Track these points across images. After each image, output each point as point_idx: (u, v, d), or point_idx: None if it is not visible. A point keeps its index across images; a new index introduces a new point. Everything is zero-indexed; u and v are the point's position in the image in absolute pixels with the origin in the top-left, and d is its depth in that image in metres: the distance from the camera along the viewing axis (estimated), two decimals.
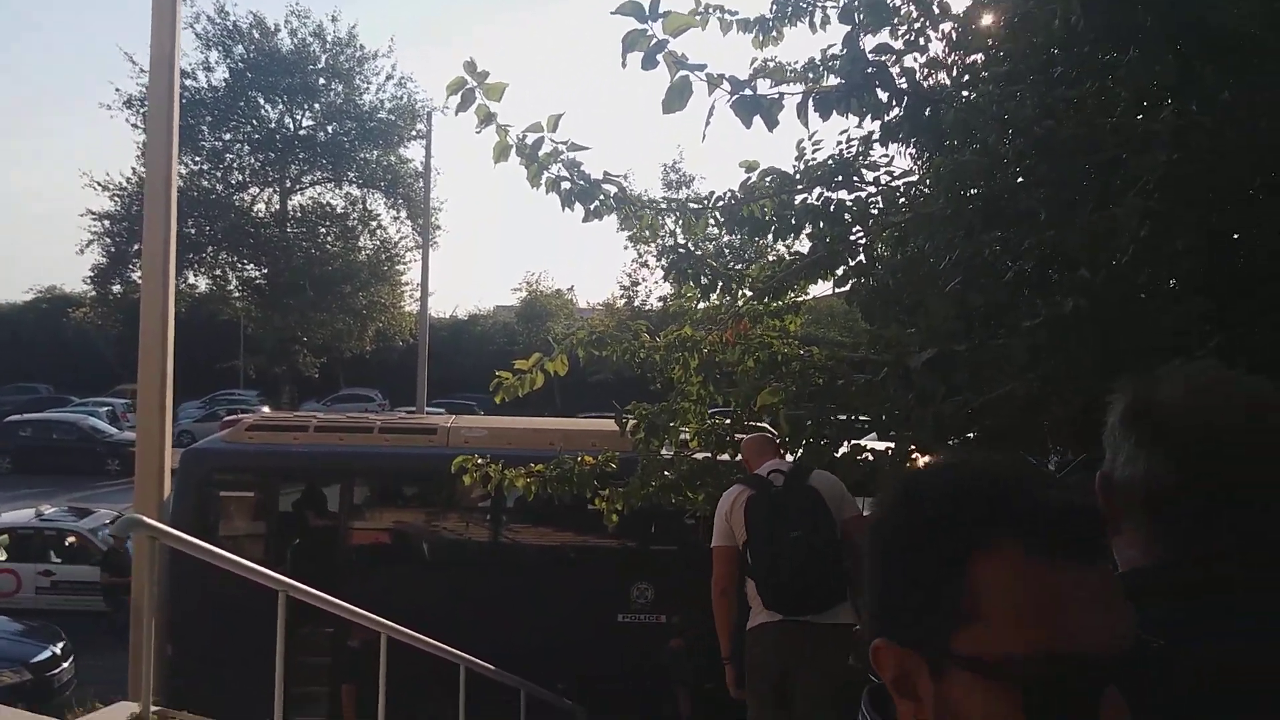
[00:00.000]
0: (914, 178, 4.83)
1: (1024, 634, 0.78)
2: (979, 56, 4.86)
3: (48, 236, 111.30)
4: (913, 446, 3.90)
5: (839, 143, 5.03)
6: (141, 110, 29.75)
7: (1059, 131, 3.62)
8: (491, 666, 7.31)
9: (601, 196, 3.63)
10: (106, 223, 32.05)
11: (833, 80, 5.07)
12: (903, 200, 4.65)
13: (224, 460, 9.70)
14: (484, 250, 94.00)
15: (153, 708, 4.20)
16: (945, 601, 0.82)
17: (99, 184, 31.83)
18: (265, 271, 33.11)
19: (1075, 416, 3.96)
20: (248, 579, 4.55)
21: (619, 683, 8.88)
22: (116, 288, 32.75)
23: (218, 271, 33.53)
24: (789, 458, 4.62)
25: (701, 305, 5.49)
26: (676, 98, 2.70)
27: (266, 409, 31.88)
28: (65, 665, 10.97)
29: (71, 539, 14.64)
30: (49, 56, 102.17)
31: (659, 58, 2.67)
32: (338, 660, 8.39)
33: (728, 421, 5.02)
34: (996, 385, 3.18)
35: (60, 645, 11.09)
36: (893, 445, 4.19)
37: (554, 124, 3.41)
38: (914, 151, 5.28)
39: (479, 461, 5.16)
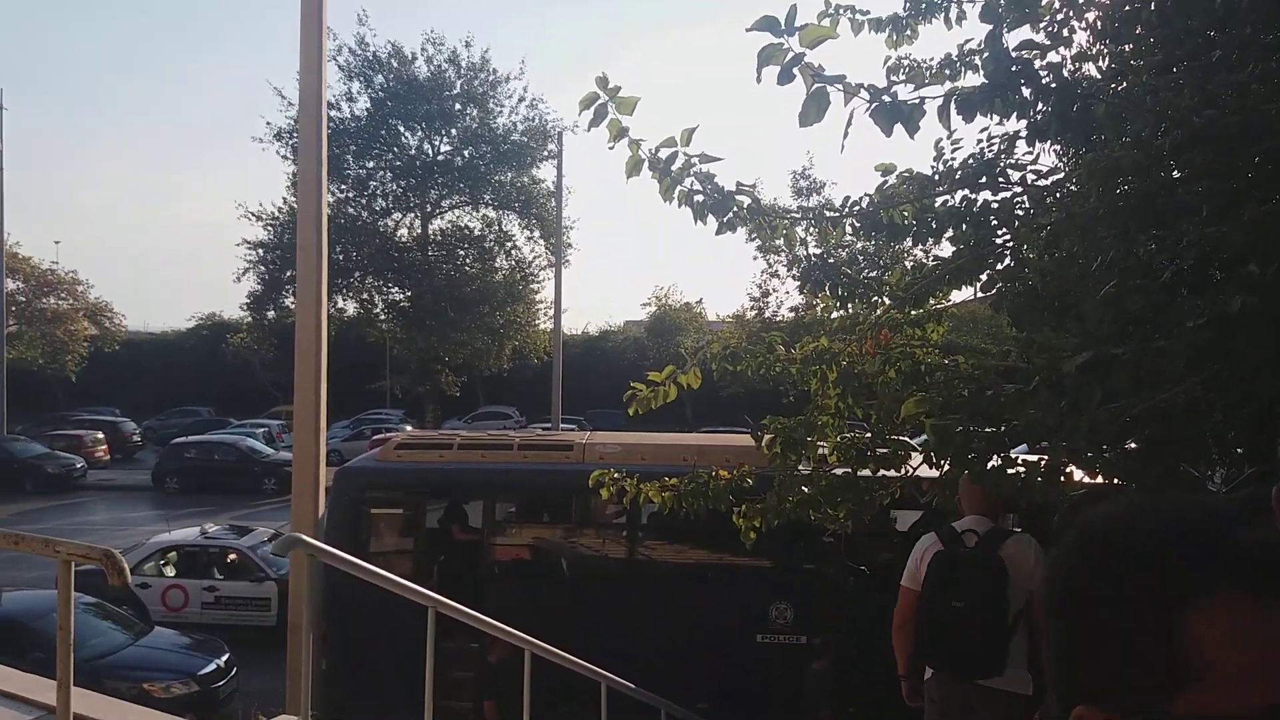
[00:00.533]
0: (1061, 175, 4.61)
1: (1258, 689, 0.70)
2: (1128, 46, 4.61)
3: (209, 266, 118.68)
4: (1065, 458, 3.70)
5: (979, 141, 4.85)
6: (291, 142, 31.29)
7: (1221, 121, 3.38)
8: (632, 685, 7.30)
9: (735, 208, 3.58)
10: (260, 251, 33.76)
11: (972, 78, 4.91)
12: (1051, 200, 4.44)
13: (376, 478, 10.04)
14: (614, 266, 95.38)
15: None
16: (1159, 661, 0.74)
17: (253, 214, 33.65)
18: (409, 294, 34.23)
19: (1245, 424, 3.69)
20: (399, 594, 4.67)
21: (759, 703, 8.75)
22: (270, 313, 34.46)
23: (364, 295, 34.83)
24: (931, 471, 4.47)
25: (836, 315, 5.36)
26: (814, 110, 2.64)
27: (410, 428, 33.02)
28: (229, 678, 11.54)
29: (233, 556, 15.41)
30: (207, 96, 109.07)
31: (795, 70, 2.61)
32: (480, 676, 8.53)
33: (868, 435, 4.88)
34: (1156, 391, 2.98)
35: (224, 658, 11.68)
36: (1044, 457, 3.99)
37: (687, 138, 3.39)
38: (1060, 149, 5.04)
39: (615, 475, 5.16)
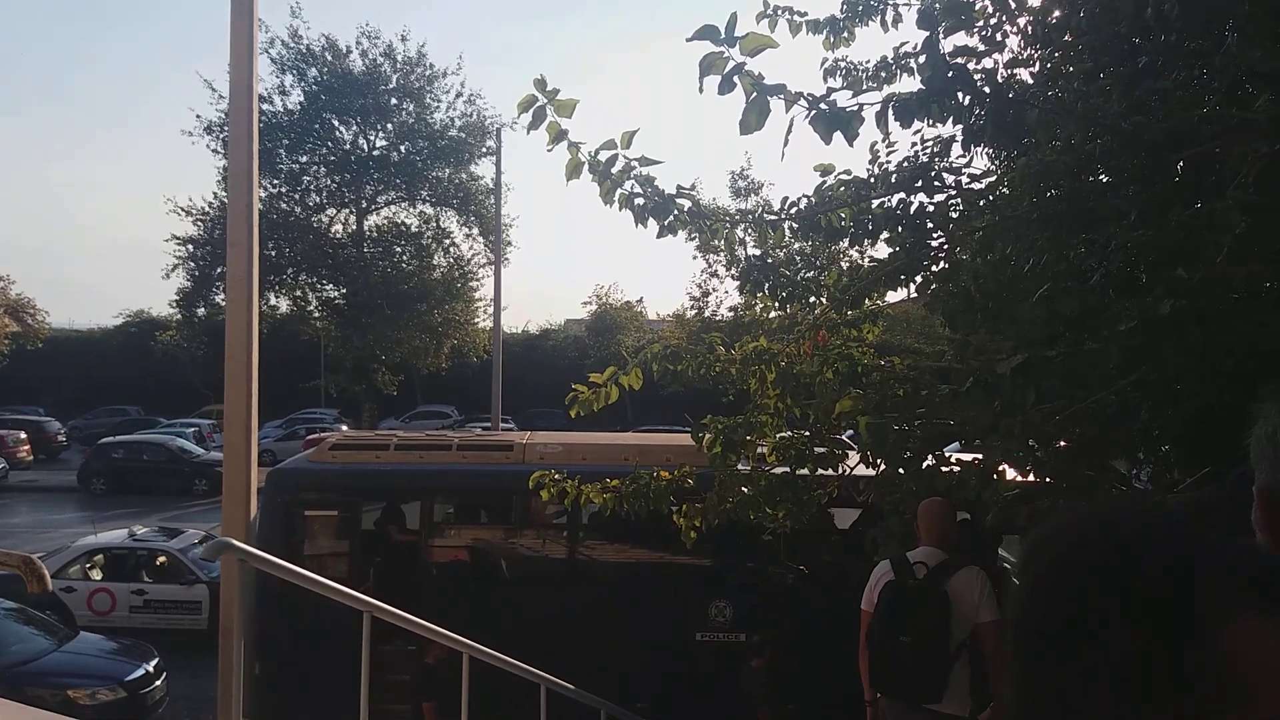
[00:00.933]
0: (994, 178, 4.70)
1: None
2: (1059, 53, 4.71)
3: (136, 262, 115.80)
4: (999, 457, 3.77)
5: (914, 144, 4.92)
6: (222, 136, 30.61)
7: (1147, 126, 3.47)
8: (571, 686, 7.28)
9: (676, 211, 3.57)
10: (190, 247, 33.00)
11: (908, 81, 4.97)
12: (985, 203, 4.51)
13: (309, 479, 9.86)
14: (555, 264, 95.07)
15: None
16: (1198, 686, 0.72)
17: (182, 209, 32.83)
18: (344, 291, 33.72)
19: (1172, 424, 3.79)
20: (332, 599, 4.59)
21: (698, 702, 8.79)
22: (201, 311, 33.73)
23: (298, 292, 34.23)
24: (867, 470, 4.52)
25: (775, 315, 5.40)
26: (755, 118, 2.64)
27: (345, 427, 32.55)
28: (158, 683, 11.24)
29: (162, 559, 15.03)
30: (134, 86, 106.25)
31: (736, 79, 2.61)
32: (417, 677, 8.44)
33: (806, 435, 4.92)
34: (1087, 392, 3.05)
35: (153, 663, 11.38)
36: (978, 456, 4.06)
37: (628, 140, 3.37)
38: (993, 152, 5.13)
39: (556, 477, 5.14)
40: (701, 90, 2.62)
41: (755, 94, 2.62)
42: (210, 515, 22.60)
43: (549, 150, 3.28)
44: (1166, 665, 0.73)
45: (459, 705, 5.74)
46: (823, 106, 2.72)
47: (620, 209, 3.50)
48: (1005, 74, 4.23)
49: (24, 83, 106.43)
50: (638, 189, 3.49)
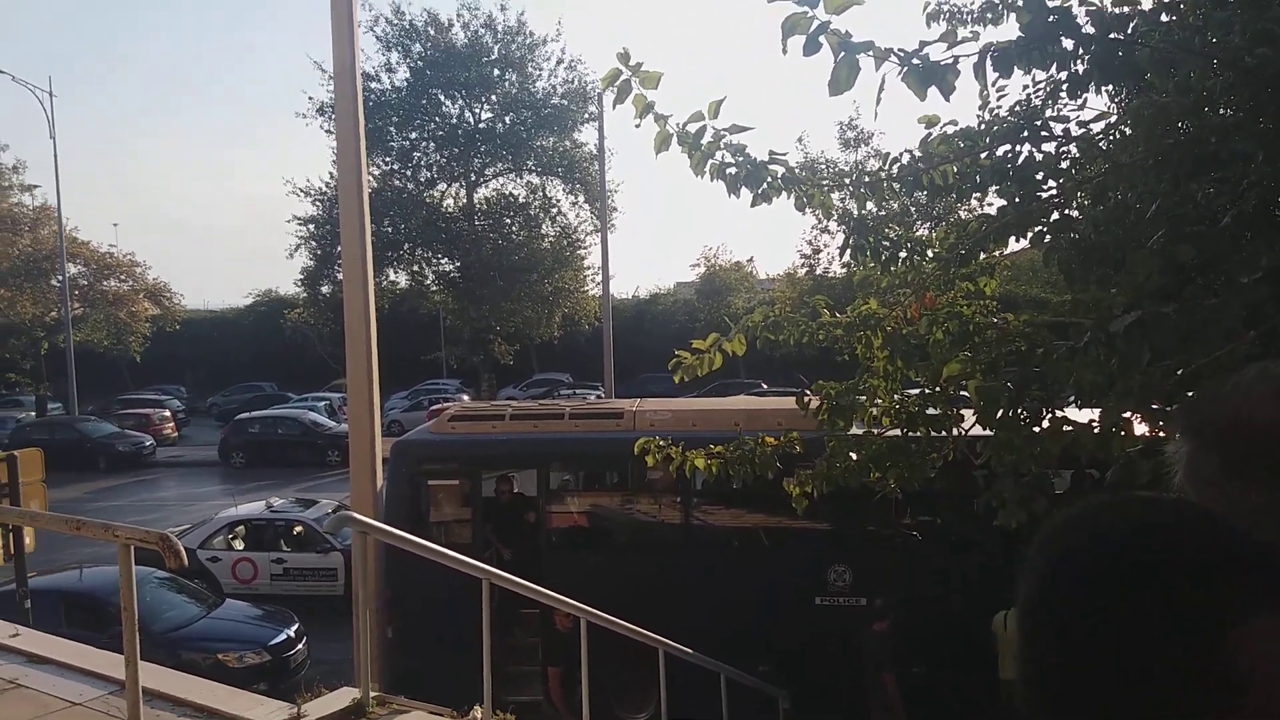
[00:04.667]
0: (1113, 120, 4.46)
1: None
2: None
3: (269, 243, 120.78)
4: (1123, 416, 3.62)
5: (1025, 88, 4.71)
6: (333, 117, 31.36)
7: (1276, 59, 3.25)
8: (690, 650, 7.36)
9: (769, 179, 3.52)
10: (311, 226, 34.08)
11: (1015, 21, 4.76)
12: (1103, 146, 4.30)
13: (431, 450, 10.19)
14: (662, 228, 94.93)
15: (372, 693, 4.47)
16: (1197, 681, 0.71)
17: (302, 190, 33.93)
18: (458, 264, 34.36)
19: None
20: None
21: (820, 666, 8.77)
22: (325, 288, 34.84)
23: (415, 267, 34.95)
24: (985, 431, 4.40)
25: (882, 276, 5.27)
26: (843, 78, 2.57)
27: (466, 397, 33.38)
28: (299, 647, 11.87)
29: (298, 528, 15.81)
30: (257, 73, 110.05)
31: (821, 39, 2.54)
32: (544, 642, 8.66)
33: (919, 397, 4.81)
34: (1211, 348, 2.89)
35: (294, 628, 12.02)
36: (1095, 416, 3.91)
37: (715, 110, 3.33)
38: (1112, 89, 4.88)
39: (660, 444, 5.17)
40: (785, 51, 2.55)
41: (843, 53, 2.55)
42: (343, 485, 23.51)
43: (637, 125, 3.27)
44: (1176, 661, 0.72)
45: (582, 671, 5.88)
46: (915, 62, 2.63)
47: (712, 179, 3.46)
48: (1116, 11, 4.00)
49: (150, 70, 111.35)
50: (729, 158, 3.45)
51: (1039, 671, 0.80)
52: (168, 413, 37.39)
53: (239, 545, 15.69)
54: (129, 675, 3.63)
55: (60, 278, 36.05)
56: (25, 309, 37.56)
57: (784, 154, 3.57)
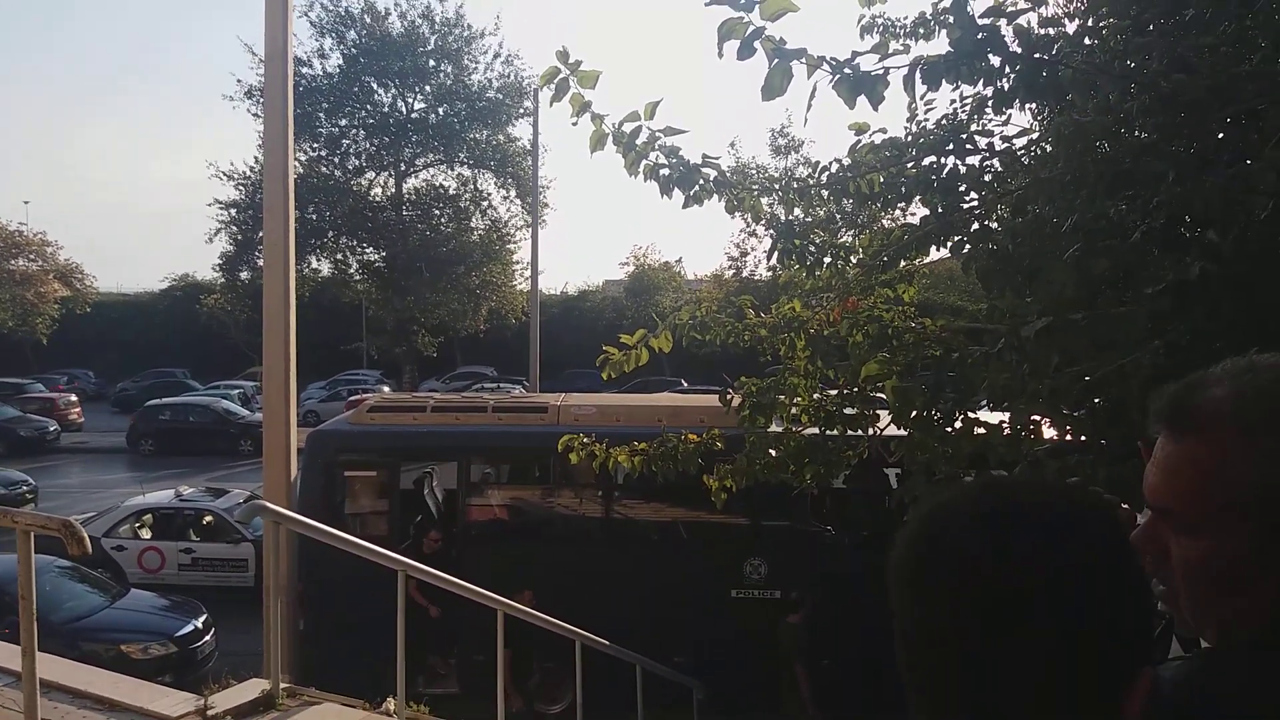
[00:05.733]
0: (1035, 135, 4.61)
1: None
2: (1103, 7, 4.60)
3: (182, 226, 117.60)
4: (1034, 416, 3.74)
5: (952, 102, 4.84)
6: (261, 101, 30.78)
7: (1190, 84, 3.39)
8: (606, 642, 7.39)
9: (701, 181, 3.55)
10: (233, 211, 33.36)
11: (945, 39, 4.88)
12: (1025, 161, 4.44)
13: (348, 441, 10.04)
14: (592, 225, 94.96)
15: (282, 684, 4.39)
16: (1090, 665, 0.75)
17: (224, 174, 33.17)
18: (384, 254, 33.97)
19: None
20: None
21: (734, 657, 8.89)
22: (244, 274, 34.08)
23: (339, 255, 34.50)
24: (899, 430, 4.51)
25: (806, 280, 5.36)
26: (776, 84, 2.61)
27: (387, 389, 32.93)
28: (207, 638, 11.59)
29: (208, 518, 15.43)
30: (179, 53, 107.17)
31: (756, 44, 2.58)
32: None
33: (836, 395, 4.91)
34: (1117, 356, 3.01)
35: (202, 619, 11.72)
36: (1005, 418, 4.03)
37: (651, 111, 3.35)
38: (1035, 107, 5.03)
39: (584, 440, 5.18)
40: (721, 55, 2.59)
41: (776, 59, 2.59)
42: (255, 475, 23.00)
43: (573, 123, 3.27)
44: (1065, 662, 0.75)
45: (496, 662, 5.85)
46: (846, 71, 2.68)
47: (646, 180, 3.48)
48: (1042, 32, 4.13)
49: (70, 43, 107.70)
50: (662, 160, 3.47)
51: (900, 653, 0.84)
52: (74, 397, 36.10)
53: (146, 534, 15.23)
54: (25, 666, 3.50)
55: None
56: None
57: (717, 158, 3.61)
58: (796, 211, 4.93)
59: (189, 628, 11.42)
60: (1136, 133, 4.09)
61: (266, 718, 4.20)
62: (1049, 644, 0.74)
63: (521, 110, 33.66)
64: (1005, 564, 0.76)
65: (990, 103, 3.77)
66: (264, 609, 4.66)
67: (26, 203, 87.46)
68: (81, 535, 3.39)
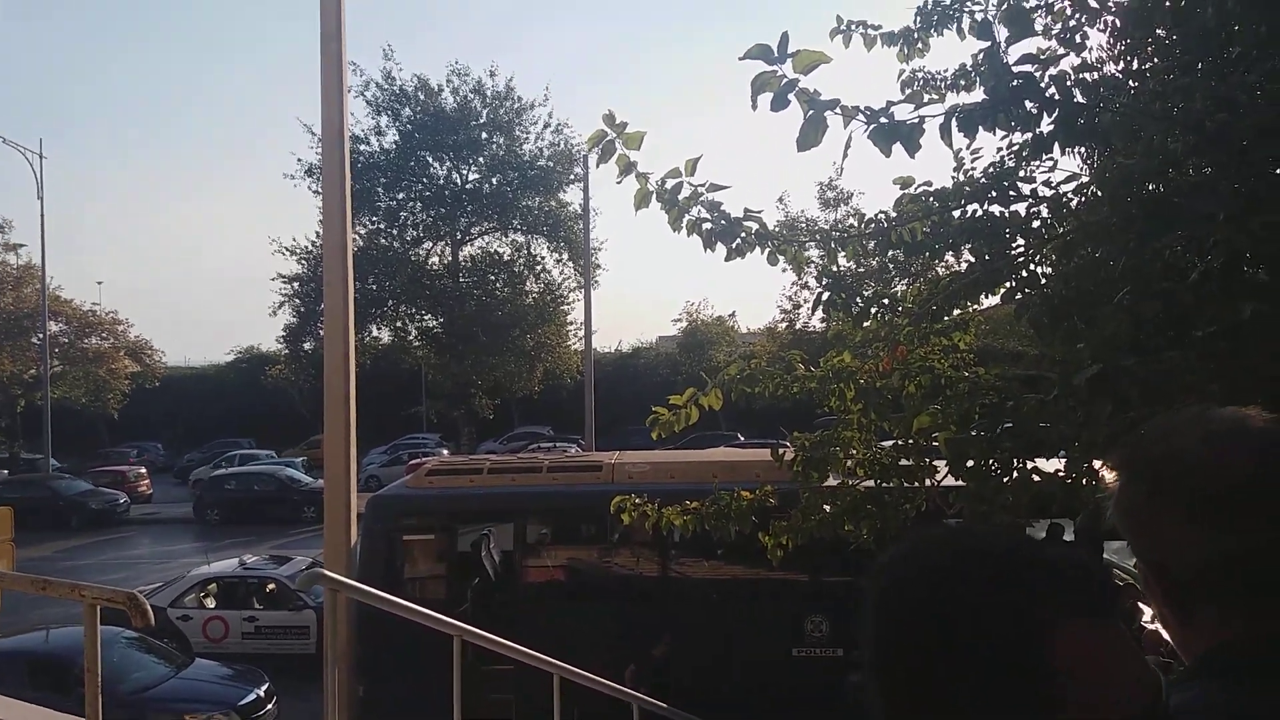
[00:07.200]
0: (1084, 179, 4.57)
1: (1115, 705, 0.75)
2: (1145, 49, 4.58)
3: (251, 301, 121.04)
4: (1086, 465, 3.66)
5: (999, 149, 4.83)
6: (321, 178, 31.69)
7: (1234, 125, 3.35)
8: (664, 704, 7.29)
9: (743, 234, 3.59)
10: (295, 285, 34.24)
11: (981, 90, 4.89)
12: (1073, 204, 4.40)
13: (406, 505, 10.13)
14: (644, 283, 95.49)
15: None
16: (1031, 689, 0.76)
17: (286, 249, 34.15)
18: (441, 320, 34.56)
19: None
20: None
21: (798, 715, 8.70)
22: (307, 345, 34.84)
23: (398, 323, 35.20)
24: (957, 481, 4.44)
25: (856, 331, 5.34)
26: (811, 135, 2.65)
27: (445, 451, 33.23)
28: (269, 707, 11.66)
29: (271, 586, 15.60)
30: (243, 132, 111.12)
31: (790, 97, 2.62)
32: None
33: (892, 448, 4.86)
34: (1172, 400, 2.95)
35: (264, 688, 11.81)
36: (1062, 466, 3.96)
37: (691, 168, 3.40)
38: (1085, 152, 5.00)
39: (636, 501, 5.18)
40: (755, 108, 2.63)
41: (811, 110, 2.62)
42: (318, 542, 23.28)
43: (619, 182, 3.34)
44: (1006, 669, 0.77)
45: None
46: (882, 120, 2.71)
47: (688, 234, 3.53)
48: (1079, 77, 4.13)
49: (140, 128, 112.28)
50: (704, 214, 3.52)
51: (876, 698, 0.85)
52: (143, 470, 36.99)
53: (210, 603, 15.43)
54: None
55: (41, 335, 35.94)
56: (4, 366, 37.40)
57: (759, 211, 3.64)
58: (842, 261, 4.93)
59: (251, 696, 11.51)
60: (1185, 173, 4.04)
61: None
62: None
63: (572, 176, 34.29)
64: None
65: (1029, 149, 3.76)
66: (324, 676, 4.67)
67: (100, 283, 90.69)
68: (145, 607, 3.46)
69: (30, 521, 19.40)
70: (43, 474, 34.09)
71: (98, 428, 44.54)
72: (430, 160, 34.20)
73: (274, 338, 37.41)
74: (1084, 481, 3.56)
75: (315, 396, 34.03)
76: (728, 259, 3.59)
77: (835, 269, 4.86)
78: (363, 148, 32.59)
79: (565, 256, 34.94)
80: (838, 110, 2.70)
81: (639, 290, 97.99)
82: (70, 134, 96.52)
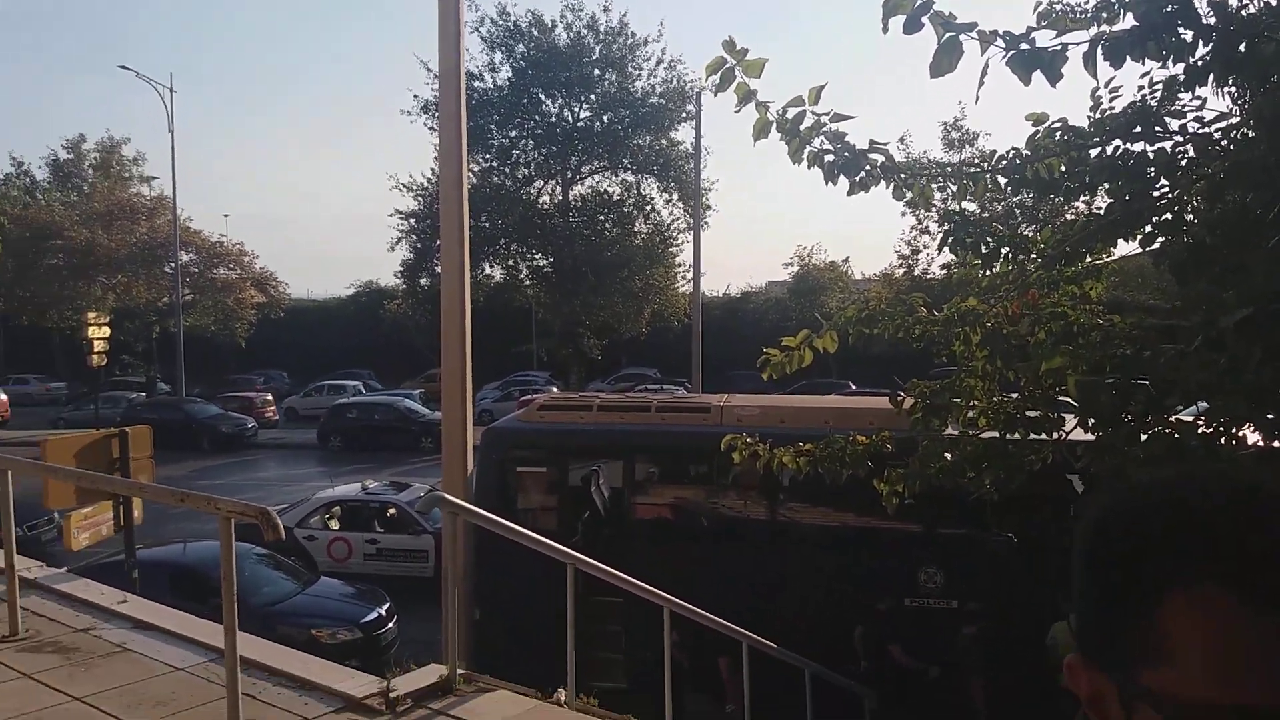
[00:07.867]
0: (1235, 119, 4.27)
1: (1223, 685, 0.70)
2: None
3: (370, 236, 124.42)
4: (1226, 420, 3.47)
5: (1140, 88, 4.54)
6: (437, 115, 32.08)
7: None
8: (774, 645, 7.32)
9: (868, 167, 3.47)
10: (412, 221, 34.93)
11: (1129, 20, 4.60)
12: (1222, 146, 4.12)
13: (519, 438, 10.35)
14: (756, 226, 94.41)
15: (459, 670, 4.56)
16: (1137, 635, 0.75)
17: (404, 186, 34.81)
18: (551, 260, 34.86)
19: None
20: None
21: (908, 668, 8.64)
22: (424, 280, 35.64)
23: (510, 262, 35.61)
24: (1085, 434, 4.27)
25: (983, 274, 5.14)
26: (945, 59, 2.52)
27: (555, 389, 33.76)
28: (389, 625, 12.19)
29: (392, 510, 16.22)
30: (364, 69, 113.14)
31: (924, 20, 2.50)
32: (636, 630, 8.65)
33: (1017, 398, 4.68)
34: None
35: (385, 607, 12.34)
36: (1202, 419, 3.76)
37: (815, 96, 3.30)
38: (1235, 90, 4.67)
39: (748, 440, 5.13)
40: (886, 30, 2.52)
41: (946, 34, 2.50)
42: (435, 471, 24.01)
43: (737, 111, 3.26)
44: (1121, 607, 0.77)
45: (664, 662, 5.88)
46: (1023, 46, 2.56)
47: (809, 167, 3.43)
48: (1240, 2, 3.83)
49: (265, 66, 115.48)
50: (827, 145, 3.41)
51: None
52: (269, 396, 38.71)
53: (334, 525, 16.15)
54: (228, 644, 3.77)
55: (173, 265, 37.66)
56: (140, 294, 39.38)
57: (885, 143, 3.52)
58: (970, 204, 4.75)
59: (373, 615, 12.04)
60: None
61: (444, 701, 4.38)
62: None
63: (684, 114, 33.90)
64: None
65: (1181, 83, 3.53)
66: (442, 597, 4.84)
67: (226, 216, 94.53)
68: (277, 522, 3.63)
69: (165, 441, 20.43)
70: (177, 397, 35.97)
71: (225, 356, 46.68)
72: (543, 97, 34.21)
73: (392, 272, 38.40)
74: (1224, 434, 3.38)
75: (432, 330, 34.88)
76: (850, 193, 3.49)
77: (961, 208, 4.69)
78: (477, 84, 32.75)
79: (675, 197, 34.72)
80: (974, 34, 2.57)
81: (749, 234, 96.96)
82: (198, 70, 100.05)
